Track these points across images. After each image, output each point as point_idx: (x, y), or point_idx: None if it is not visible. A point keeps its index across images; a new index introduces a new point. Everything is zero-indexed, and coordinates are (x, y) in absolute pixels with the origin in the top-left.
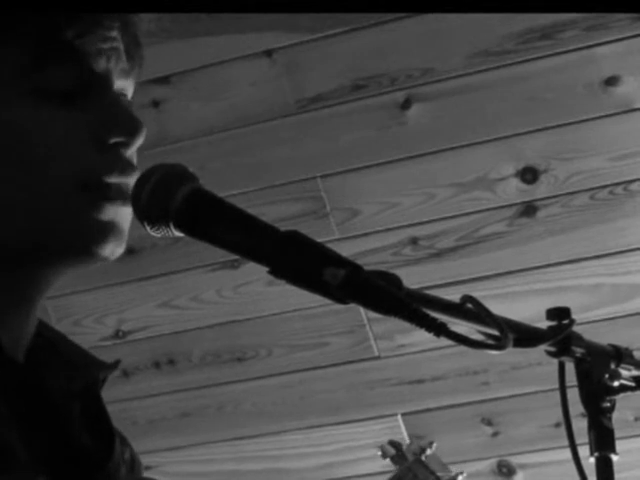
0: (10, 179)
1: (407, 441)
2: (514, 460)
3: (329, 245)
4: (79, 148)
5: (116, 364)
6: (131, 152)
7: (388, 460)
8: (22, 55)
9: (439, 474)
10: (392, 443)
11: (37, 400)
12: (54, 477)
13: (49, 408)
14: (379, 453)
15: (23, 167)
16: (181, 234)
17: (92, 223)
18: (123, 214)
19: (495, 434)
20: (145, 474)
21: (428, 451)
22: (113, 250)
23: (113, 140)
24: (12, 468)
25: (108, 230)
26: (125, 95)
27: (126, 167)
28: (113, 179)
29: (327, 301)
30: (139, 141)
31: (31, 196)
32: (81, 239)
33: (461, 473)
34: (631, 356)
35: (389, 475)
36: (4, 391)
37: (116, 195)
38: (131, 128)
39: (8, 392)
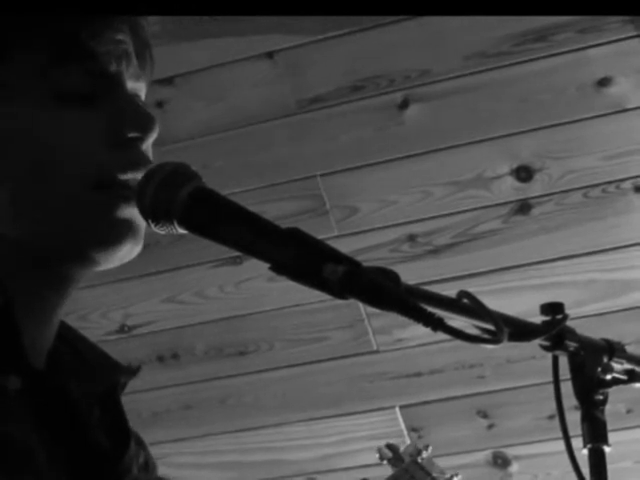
0: (26, 181)
1: (405, 435)
2: (509, 451)
3: (328, 242)
4: (93, 147)
5: (137, 369)
6: (146, 146)
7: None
8: (37, 56)
9: (435, 475)
10: (389, 446)
11: (57, 404)
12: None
13: (69, 412)
14: (376, 455)
15: (38, 168)
16: (185, 231)
17: (109, 222)
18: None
19: (490, 426)
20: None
21: (424, 453)
22: (131, 249)
23: (128, 135)
24: (32, 471)
25: (125, 229)
26: (138, 96)
27: (141, 161)
28: (128, 176)
29: (327, 297)
30: (153, 135)
31: (47, 197)
32: (98, 239)
33: (456, 475)
34: (623, 350)
35: (386, 477)
36: (24, 396)
37: (132, 192)
38: (144, 122)
39: (28, 397)
